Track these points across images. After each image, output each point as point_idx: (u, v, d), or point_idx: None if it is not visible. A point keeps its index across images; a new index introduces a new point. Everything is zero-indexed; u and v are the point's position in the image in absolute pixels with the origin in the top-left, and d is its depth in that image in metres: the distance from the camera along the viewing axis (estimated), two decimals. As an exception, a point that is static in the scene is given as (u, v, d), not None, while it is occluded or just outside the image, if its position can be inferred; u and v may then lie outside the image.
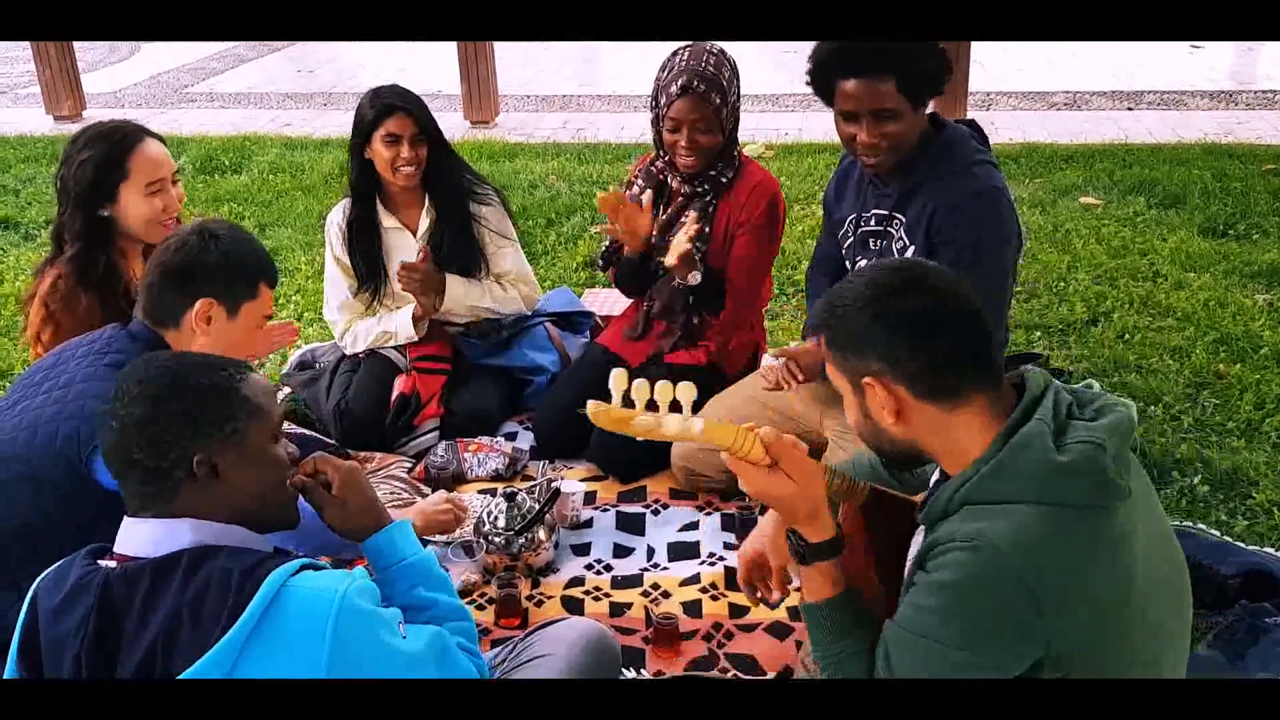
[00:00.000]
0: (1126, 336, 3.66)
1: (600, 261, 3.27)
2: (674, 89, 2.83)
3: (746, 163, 3.07)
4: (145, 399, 1.45)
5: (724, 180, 3.00)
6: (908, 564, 1.73)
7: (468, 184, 3.26)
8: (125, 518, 1.47)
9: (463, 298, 3.24)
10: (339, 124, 6.83)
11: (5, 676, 1.46)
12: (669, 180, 3.06)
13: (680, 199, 3.05)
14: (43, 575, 1.49)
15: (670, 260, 2.84)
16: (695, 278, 2.95)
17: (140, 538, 1.44)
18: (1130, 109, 6.54)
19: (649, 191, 3.00)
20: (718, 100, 2.84)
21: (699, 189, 3.00)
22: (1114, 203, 4.89)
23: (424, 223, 3.24)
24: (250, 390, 1.52)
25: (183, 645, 1.33)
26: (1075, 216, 4.74)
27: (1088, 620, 1.38)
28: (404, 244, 3.25)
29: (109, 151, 2.49)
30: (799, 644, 2.30)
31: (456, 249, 3.23)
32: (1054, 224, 4.66)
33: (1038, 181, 5.23)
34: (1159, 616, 1.47)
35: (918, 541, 1.71)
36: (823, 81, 2.43)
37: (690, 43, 2.94)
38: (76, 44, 7.16)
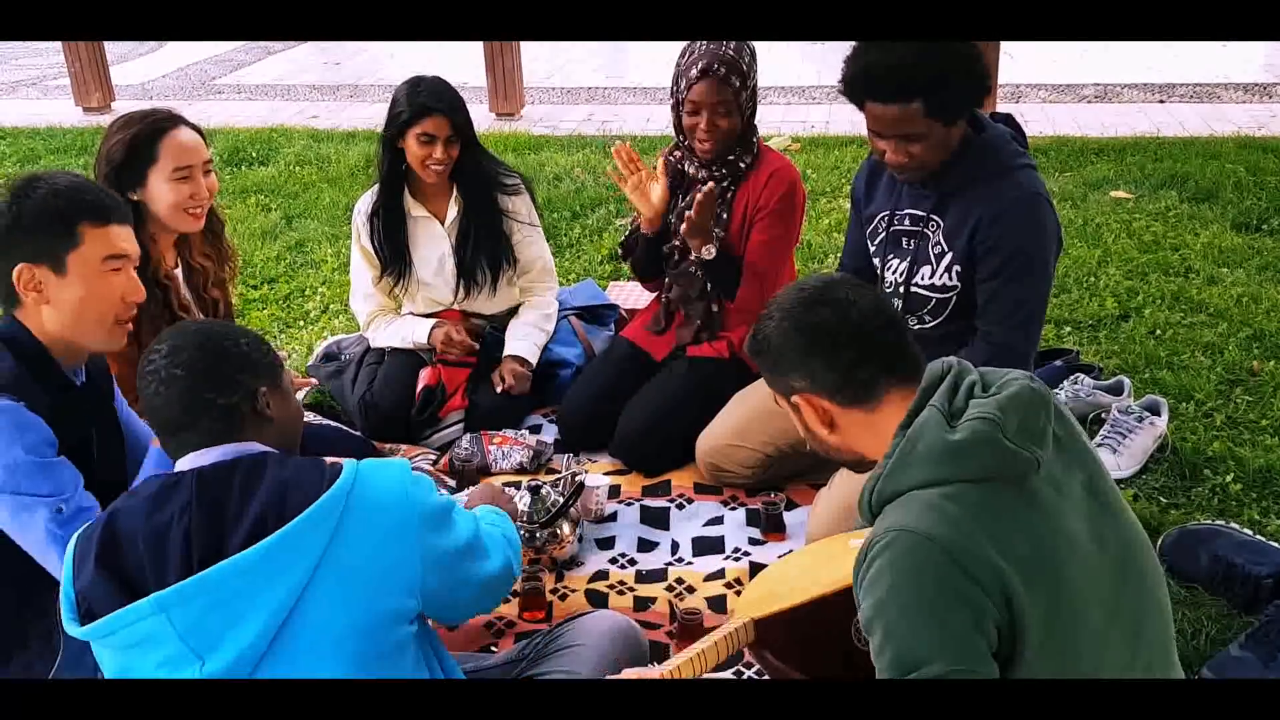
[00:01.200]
0: (1158, 332, 3.62)
1: (620, 250, 3.26)
2: (694, 72, 2.84)
3: (765, 150, 3.06)
4: (206, 346, 1.58)
5: (742, 165, 2.99)
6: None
7: (495, 174, 3.25)
8: (183, 458, 1.57)
9: (537, 351, 3.29)
10: (366, 116, 6.84)
11: (67, 605, 1.49)
12: (687, 168, 3.05)
13: (699, 187, 3.02)
14: (99, 516, 1.54)
15: (684, 228, 2.89)
16: (710, 251, 2.94)
17: (212, 455, 1.55)
18: (1162, 102, 6.46)
19: (661, 162, 3.01)
20: (737, 83, 2.85)
21: (716, 174, 3.00)
22: (1145, 197, 4.83)
23: (452, 211, 3.23)
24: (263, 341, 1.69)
25: (292, 504, 1.45)
26: (1106, 210, 4.69)
27: (1009, 586, 1.38)
28: (432, 232, 3.25)
29: (140, 135, 2.50)
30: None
31: (483, 240, 3.23)
32: (1084, 218, 4.61)
33: (1068, 175, 5.17)
34: (1088, 591, 1.45)
35: None
36: (852, 100, 2.41)
37: None
38: (106, 36, 7.21)
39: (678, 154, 3.07)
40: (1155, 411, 2.98)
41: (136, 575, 1.44)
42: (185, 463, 1.56)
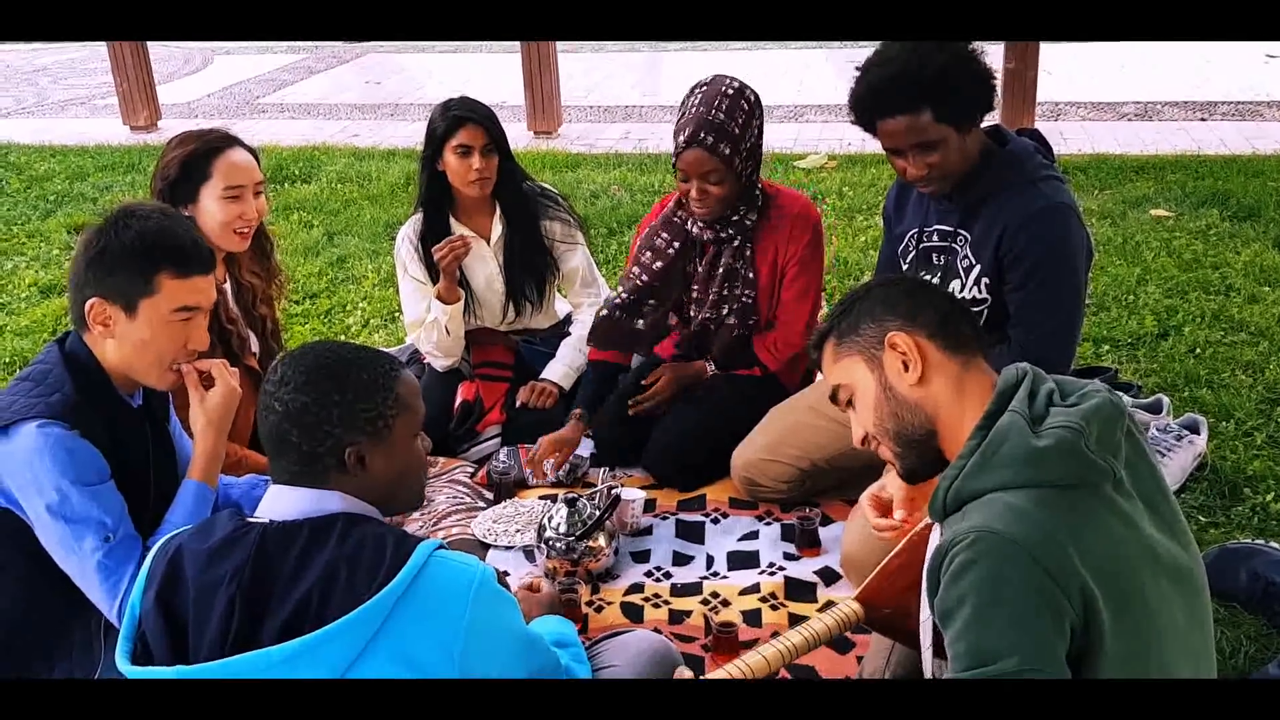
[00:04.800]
0: (1198, 351, 3.59)
1: (592, 329, 3.16)
2: (681, 139, 2.77)
3: (777, 194, 3.01)
4: (307, 387, 1.52)
5: (748, 223, 2.94)
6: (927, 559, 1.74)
7: (533, 190, 3.29)
8: (272, 485, 1.55)
9: (573, 374, 3.31)
10: (406, 134, 6.93)
11: (129, 620, 1.50)
12: (691, 228, 2.99)
13: (711, 249, 2.98)
14: (174, 534, 1.54)
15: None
16: (710, 368, 3.10)
17: (291, 503, 1.52)
18: (1204, 119, 6.41)
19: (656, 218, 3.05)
20: (727, 150, 2.75)
21: (723, 234, 2.95)
22: (1186, 215, 4.80)
23: (496, 229, 3.26)
24: (403, 388, 1.59)
25: (338, 596, 1.40)
26: (1145, 229, 4.66)
27: (1088, 590, 1.40)
28: (479, 251, 3.26)
29: (196, 152, 2.57)
30: (860, 659, 2.28)
31: (529, 255, 3.26)
32: (1124, 236, 4.58)
33: (1107, 193, 5.15)
34: (1157, 601, 1.47)
35: (935, 537, 1.72)
36: (863, 123, 2.43)
37: (709, 79, 2.86)
38: (152, 56, 7.35)
39: (683, 214, 3.01)
40: (1194, 430, 2.96)
41: (183, 621, 1.46)
42: (268, 498, 1.54)
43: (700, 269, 3.02)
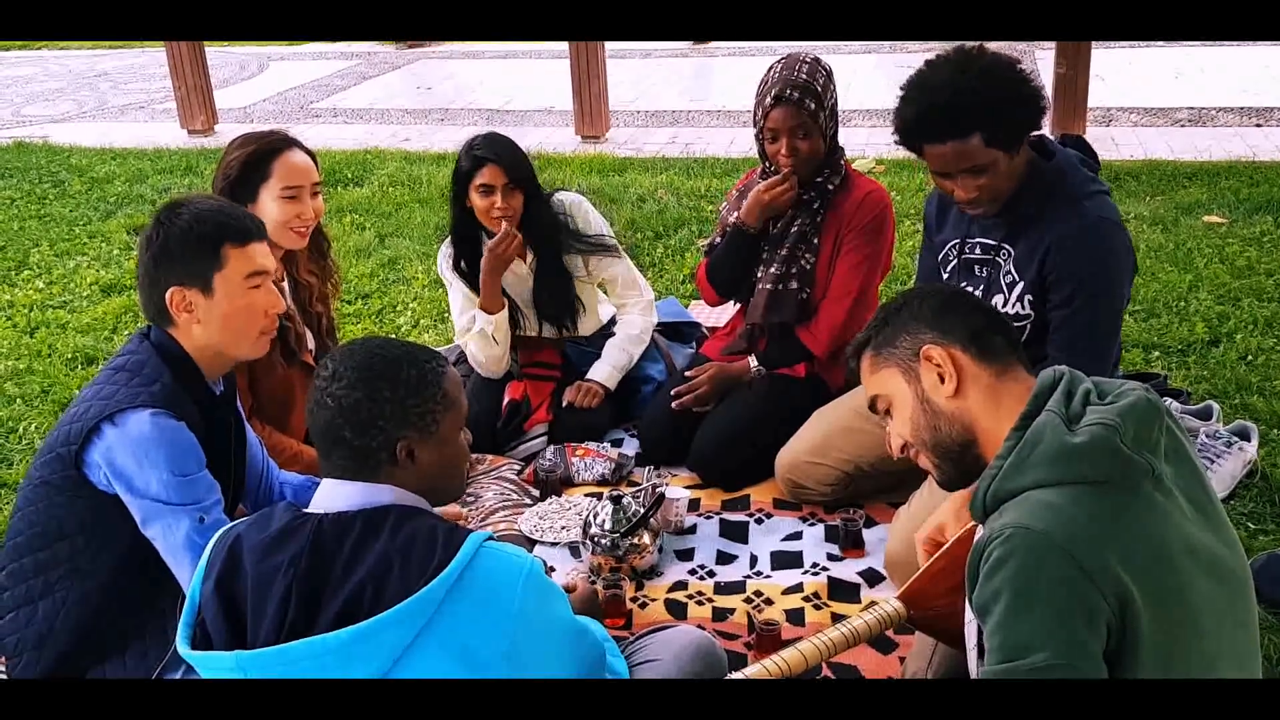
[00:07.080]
0: (1249, 358, 3.55)
1: (705, 250, 3.31)
2: (769, 100, 2.91)
3: (854, 175, 3.09)
4: (360, 383, 1.56)
5: (830, 188, 3.02)
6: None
7: (559, 224, 3.27)
8: (325, 480, 1.59)
9: (617, 374, 3.36)
10: (456, 139, 7.01)
11: (189, 607, 1.55)
12: None
13: (790, 211, 3.07)
14: (232, 525, 1.59)
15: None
16: (760, 370, 3.12)
17: (344, 496, 1.56)
18: (1259, 125, 6.32)
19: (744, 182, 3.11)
20: (813, 105, 2.90)
21: (805, 197, 3.03)
22: (1239, 221, 4.74)
23: (528, 257, 3.29)
24: (449, 384, 1.63)
25: (392, 586, 1.44)
26: (1198, 235, 4.61)
27: (1124, 586, 1.39)
28: (517, 271, 3.31)
29: (256, 153, 2.65)
30: (903, 659, 2.29)
31: (555, 288, 3.30)
32: (1175, 242, 4.53)
33: (1159, 199, 5.09)
34: (1198, 599, 1.46)
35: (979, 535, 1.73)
36: (910, 147, 2.43)
37: (785, 55, 3.02)
38: (209, 62, 7.51)
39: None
40: (1245, 437, 2.93)
41: (242, 608, 1.51)
42: (322, 492, 1.59)
43: (775, 229, 3.09)
